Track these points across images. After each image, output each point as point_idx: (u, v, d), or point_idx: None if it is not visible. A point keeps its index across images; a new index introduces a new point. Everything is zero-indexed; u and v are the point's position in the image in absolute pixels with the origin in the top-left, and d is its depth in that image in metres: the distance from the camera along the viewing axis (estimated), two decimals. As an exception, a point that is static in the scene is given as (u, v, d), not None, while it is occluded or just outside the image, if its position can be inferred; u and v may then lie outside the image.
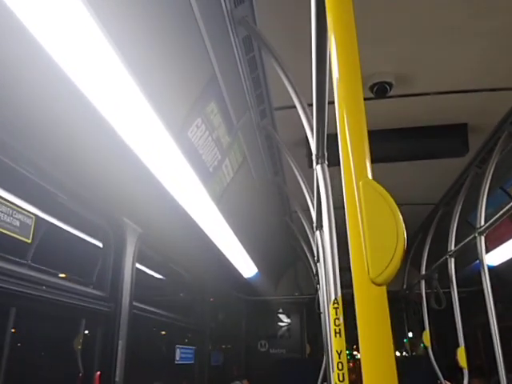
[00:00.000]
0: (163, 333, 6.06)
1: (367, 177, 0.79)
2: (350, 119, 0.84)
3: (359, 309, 0.76)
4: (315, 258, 4.31)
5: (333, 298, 1.96)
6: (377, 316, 0.73)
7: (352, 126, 0.83)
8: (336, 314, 1.88)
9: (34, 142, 2.23)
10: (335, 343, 1.88)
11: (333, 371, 2.83)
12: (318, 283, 5.43)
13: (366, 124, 0.84)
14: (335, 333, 1.86)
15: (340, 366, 1.84)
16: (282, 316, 8.41)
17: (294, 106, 2.66)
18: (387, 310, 0.73)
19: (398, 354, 8.53)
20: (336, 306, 1.90)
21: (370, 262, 0.73)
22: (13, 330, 3.29)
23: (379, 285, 0.72)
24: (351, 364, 7.78)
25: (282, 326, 8.35)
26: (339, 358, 1.85)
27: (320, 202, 2.72)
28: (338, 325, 1.87)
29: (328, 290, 2.13)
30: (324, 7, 1.21)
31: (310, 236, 4.44)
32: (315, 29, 1.34)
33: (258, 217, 5.07)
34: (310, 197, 3.46)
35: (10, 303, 3.01)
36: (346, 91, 0.87)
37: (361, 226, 0.76)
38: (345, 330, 1.89)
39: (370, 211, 0.75)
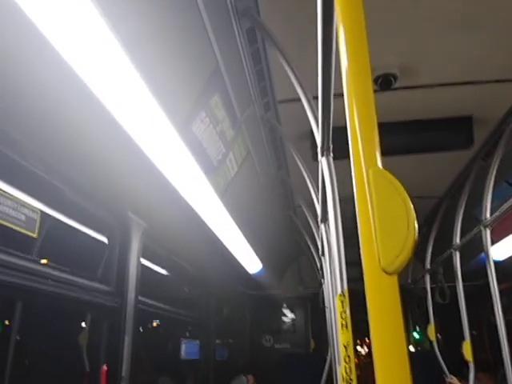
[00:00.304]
0: (168, 327, 6.08)
1: (377, 165, 0.78)
2: (359, 109, 0.83)
3: (370, 299, 0.75)
4: (320, 252, 4.31)
5: (339, 291, 1.95)
6: (388, 305, 0.72)
7: (362, 116, 0.82)
8: (342, 307, 1.87)
9: (39, 136, 2.23)
10: (342, 336, 1.87)
11: (339, 365, 2.83)
12: (323, 277, 5.43)
13: (375, 114, 0.83)
14: (342, 325, 1.85)
15: (347, 359, 1.83)
16: (286, 311, 8.42)
17: (298, 99, 2.64)
18: (399, 299, 0.72)
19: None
20: (342, 298, 1.89)
21: (381, 250, 0.72)
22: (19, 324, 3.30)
23: (390, 274, 0.71)
24: (356, 360, 7.79)
25: (286, 321, 8.36)
26: (346, 351, 1.84)
27: (325, 195, 2.71)
28: (345, 318, 1.86)
29: (334, 283, 2.12)
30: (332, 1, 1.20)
31: (314, 230, 4.43)
32: (321, 20, 1.32)
33: (262, 211, 5.06)
34: (314, 190, 3.45)
35: (16, 297, 3.03)
36: (355, 82, 0.86)
37: (371, 214, 0.75)
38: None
39: (381, 200, 0.74)
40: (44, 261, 2.64)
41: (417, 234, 0.73)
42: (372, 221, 0.74)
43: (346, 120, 0.86)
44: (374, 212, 0.74)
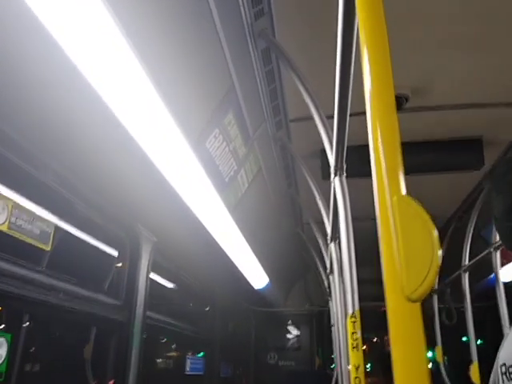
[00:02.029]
0: (173, 343, 6.06)
1: (401, 192, 0.79)
2: (383, 132, 0.84)
3: (392, 326, 0.75)
4: (328, 271, 4.29)
5: (350, 311, 1.95)
6: (411, 333, 0.73)
7: (385, 139, 0.83)
8: (354, 328, 1.87)
9: (53, 148, 2.26)
10: (352, 357, 1.87)
11: (346, 385, 2.81)
12: (330, 295, 5.40)
13: (399, 137, 0.84)
14: (353, 347, 1.85)
15: (357, 381, 1.83)
16: (291, 328, 8.36)
17: (310, 118, 2.67)
18: (422, 327, 0.73)
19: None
20: (354, 319, 1.89)
21: (406, 278, 0.72)
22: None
23: (414, 301, 0.72)
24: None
25: (291, 338, 8.30)
26: (356, 372, 1.84)
27: (336, 214, 2.71)
28: (356, 339, 1.86)
29: (344, 302, 2.12)
30: (352, 18, 1.22)
31: (322, 248, 4.43)
32: (341, 41, 1.35)
33: (271, 227, 5.07)
34: (324, 209, 3.46)
35: (25, 309, 3.03)
36: (378, 103, 0.87)
37: (395, 242, 0.76)
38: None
39: (405, 227, 0.75)
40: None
41: (440, 262, 0.74)
42: (395, 248, 0.75)
43: (369, 143, 0.88)
44: (398, 239, 0.75)
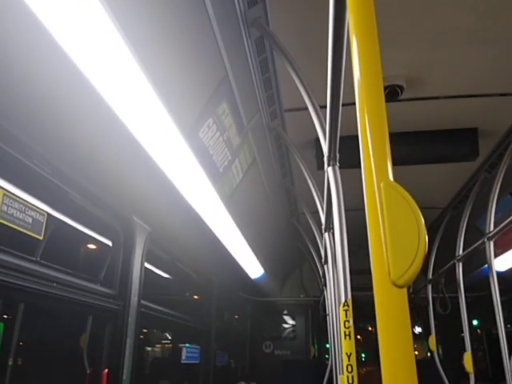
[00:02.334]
0: (169, 332, 6.08)
1: (388, 178, 0.79)
2: (371, 121, 0.84)
3: (379, 311, 0.76)
4: (322, 260, 4.31)
5: (343, 300, 1.96)
6: (398, 318, 0.74)
7: (373, 128, 0.83)
8: (346, 317, 1.88)
9: (47, 139, 2.24)
10: (345, 345, 1.88)
11: (340, 374, 2.84)
12: (325, 285, 5.43)
13: (387, 126, 0.84)
14: (345, 335, 1.86)
15: (349, 369, 1.84)
16: (286, 317, 8.41)
17: (305, 108, 2.66)
18: (408, 312, 0.74)
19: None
20: (346, 308, 1.90)
21: (392, 263, 0.73)
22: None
23: (400, 287, 0.72)
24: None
25: (286, 328, 8.35)
26: (349, 360, 1.85)
27: (330, 204, 2.72)
28: (348, 327, 1.87)
29: (338, 291, 2.13)
30: (343, 10, 1.22)
31: (317, 238, 4.44)
32: (332, 31, 1.34)
33: (266, 218, 5.08)
34: (318, 199, 3.46)
35: (19, 299, 3.04)
36: (367, 93, 0.88)
37: (382, 227, 0.76)
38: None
39: (392, 213, 0.76)
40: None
41: (427, 248, 0.74)
42: (383, 234, 0.75)
43: (358, 132, 0.88)
44: (384, 225, 0.75)
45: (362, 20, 0.95)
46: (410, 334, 0.74)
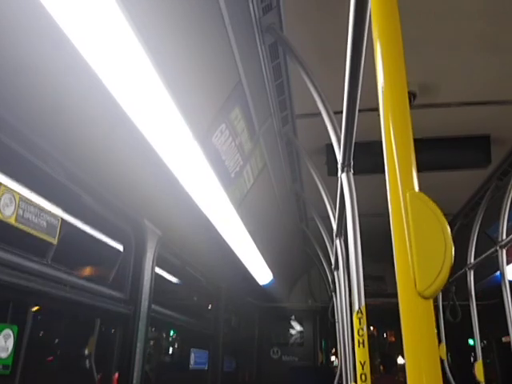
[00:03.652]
0: (177, 336, 6.08)
1: (414, 188, 0.79)
2: (396, 128, 0.84)
3: (405, 322, 0.75)
4: (332, 266, 4.29)
5: (356, 307, 1.95)
6: (424, 330, 0.73)
7: (398, 136, 0.83)
8: (360, 324, 1.87)
9: (62, 143, 2.26)
10: (358, 354, 1.87)
11: (351, 381, 2.82)
12: (334, 291, 5.41)
13: (412, 133, 0.84)
14: (359, 343, 1.85)
15: (363, 378, 1.82)
16: (294, 323, 8.37)
17: (316, 114, 2.67)
18: (434, 323, 0.73)
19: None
20: (360, 315, 1.89)
21: (418, 274, 0.72)
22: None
23: (427, 298, 0.72)
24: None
25: (294, 334, 8.31)
26: (362, 369, 1.84)
27: (342, 210, 2.71)
28: (362, 335, 1.86)
29: (348, 298, 2.12)
30: (364, 15, 1.21)
31: (327, 243, 4.43)
32: (352, 36, 1.34)
33: (275, 223, 5.07)
34: (329, 204, 3.45)
35: (30, 301, 3.04)
36: (392, 99, 0.87)
37: (407, 238, 0.75)
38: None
39: (418, 222, 0.75)
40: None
41: (453, 259, 0.73)
42: (408, 244, 0.75)
43: (382, 140, 0.87)
44: (410, 236, 0.75)
45: (387, 23, 0.94)
46: (436, 345, 0.73)
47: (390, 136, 0.84)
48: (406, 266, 0.74)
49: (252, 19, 2.41)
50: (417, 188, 0.79)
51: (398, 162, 0.81)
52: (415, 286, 0.72)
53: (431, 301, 0.74)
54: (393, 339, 8.49)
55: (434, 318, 0.73)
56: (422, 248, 0.73)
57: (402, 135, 0.83)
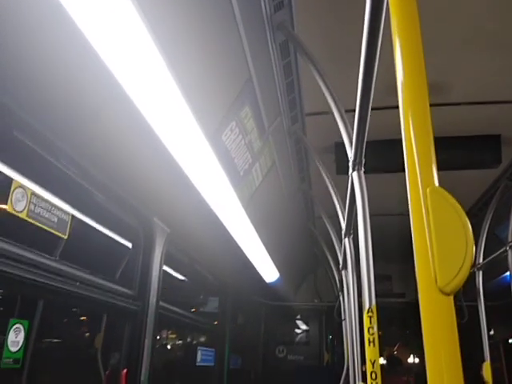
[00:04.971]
0: (184, 333, 6.09)
1: (434, 184, 0.78)
2: (415, 125, 0.83)
3: (425, 318, 0.75)
4: (340, 266, 4.29)
5: (367, 306, 1.94)
6: (445, 326, 0.72)
7: (418, 132, 0.83)
8: (370, 323, 1.86)
9: (75, 139, 2.27)
10: (369, 352, 1.86)
11: (359, 381, 2.81)
12: (341, 290, 5.39)
13: (432, 130, 0.83)
14: (369, 342, 1.84)
15: (373, 376, 1.82)
16: (300, 322, 8.37)
17: (326, 112, 2.66)
18: (455, 319, 0.72)
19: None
20: (371, 314, 1.88)
21: (439, 270, 0.72)
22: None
23: (448, 294, 0.71)
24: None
25: (300, 333, 8.31)
26: (373, 367, 1.83)
27: (351, 209, 2.71)
28: (372, 334, 1.85)
29: (362, 298, 2.11)
30: (380, 11, 1.21)
31: (335, 243, 4.42)
32: (367, 34, 1.33)
33: (283, 221, 5.07)
34: (338, 203, 3.44)
35: (39, 296, 3.06)
36: (411, 96, 0.87)
37: (427, 234, 0.75)
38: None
39: (438, 219, 0.75)
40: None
41: (473, 255, 0.73)
42: (429, 240, 0.74)
43: (402, 137, 0.87)
44: (431, 232, 0.74)
45: (406, 22, 0.93)
46: (457, 342, 0.72)
47: (410, 133, 0.83)
48: (427, 261, 0.74)
49: (263, 17, 2.41)
50: (437, 184, 0.78)
51: (417, 159, 0.81)
52: (436, 281, 0.72)
53: (452, 297, 0.73)
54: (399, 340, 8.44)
55: (454, 315, 0.73)
56: (442, 243, 0.73)
57: (422, 132, 0.83)
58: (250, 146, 3.11)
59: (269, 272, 5.56)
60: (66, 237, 2.41)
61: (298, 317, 8.37)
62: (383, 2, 1.13)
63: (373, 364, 1.84)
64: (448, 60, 2.92)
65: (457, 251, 0.72)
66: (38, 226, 2.27)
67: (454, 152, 3.66)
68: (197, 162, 2.66)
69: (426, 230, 0.76)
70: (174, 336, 6.09)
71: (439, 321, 0.74)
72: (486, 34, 2.68)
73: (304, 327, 8.33)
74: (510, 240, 3.91)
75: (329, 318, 7.79)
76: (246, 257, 4.61)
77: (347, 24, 2.54)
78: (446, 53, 2.85)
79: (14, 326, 2.28)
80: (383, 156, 3.49)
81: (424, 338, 0.75)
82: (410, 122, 0.84)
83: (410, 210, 0.81)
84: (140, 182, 2.83)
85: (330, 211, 3.81)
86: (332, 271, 5.93)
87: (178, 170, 2.65)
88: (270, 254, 4.86)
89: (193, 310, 5.46)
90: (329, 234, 4.53)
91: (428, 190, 0.77)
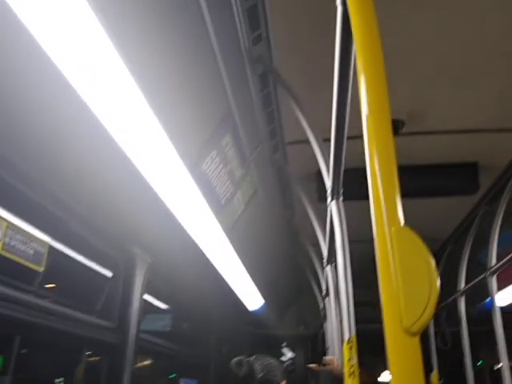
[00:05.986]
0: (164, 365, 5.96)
1: (399, 223, 0.79)
2: (380, 160, 0.85)
3: (392, 359, 0.75)
4: (323, 293, 4.27)
5: (347, 336, 1.93)
6: (410, 367, 0.72)
7: (383, 167, 0.84)
8: (350, 354, 1.85)
9: (49, 169, 2.25)
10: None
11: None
12: (325, 318, 5.36)
13: (396, 163, 0.84)
14: (349, 374, 1.82)
15: (354, 409, 1.80)
16: (286, 350, 8.26)
17: (306, 141, 2.69)
18: (421, 360, 0.72)
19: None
20: (351, 345, 1.87)
21: (404, 311, 0.72)
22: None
23: (413, 334, 0.71)
24: None
25: (286, 361, 8.19)
26: (353, 400, 1.81)
27: (332, 237, 2.71)
28: (352, 365, 1.83)
29: (339, 325, 2.10)
30: (349, 47, 1.24)
31: (318, 270, 4.41)
32: (339, 67, 1.37)
33: (266, 249, 5.05)
34: (320, 231, 3.46)
35: (15, 331, 2.98)
36: (375, 131, 0.88)
37: (393, 273, 0.75)
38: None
39: (404, 259, 0.75)
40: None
41: (438, 294, 0.73)
42: (395, 280, 0.75)
43: (367, 171, 0.88)
44: (396, 271, 0.75)
45: (370, 56, 0.97)
46: (423, 380, 0.72)
47: (375, 168, 0.85)
48: (392, 301, 0.74)
49: (242, 50, 2.45)
50: (402, 222, 0.79)
51: (383, 197, 0.82)
52: (401, 322, 0.72)
53: (418, 337, 0.73)
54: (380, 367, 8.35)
55: (420, 354, 0.73)
56: (408, 284, 0.73)
57: (386, 167, 0.84)
58: (231, 175, 3.12)
59: (253, 300, 5.51)
60: (42, 270, 2.37)
61: (284, 344, 8.27)
62: (352, 41, 1.16)
63: (353, 397, 1.81)
64: (424, 90, 2.98)
65: (422, 291, 0.72)
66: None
67: (432, 180, 3.71)
68: (177, 191, 2.67)
69: (392, 270, 0.76)
70: (154, 366, 5.95)
71: (405, 361, 0.74)
72: (461, 64, 2.75)
73: (289, 355, 8.22)
74: (490, 266, 3.94)
75: (314, 346, 7.71)
76: (230, 285, 4.58)
77: (324, 57, 2.58)
78: (423, 83, 2.92)
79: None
80: (363, 183, 3.53)
81: (392, 379, 0.75)
82: (375, 158, 0.85)
83: (376, 250, 0.82)
84: (120, 212, 2.81)
85: (313, 239, 3.81)
86: (316, 299, 5.90)
87: (158, 199, 2.64)
88: (254, 282, 4.83)
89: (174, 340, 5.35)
90: (312, 261, 4.53)
91: (393, 229, 0.78)
